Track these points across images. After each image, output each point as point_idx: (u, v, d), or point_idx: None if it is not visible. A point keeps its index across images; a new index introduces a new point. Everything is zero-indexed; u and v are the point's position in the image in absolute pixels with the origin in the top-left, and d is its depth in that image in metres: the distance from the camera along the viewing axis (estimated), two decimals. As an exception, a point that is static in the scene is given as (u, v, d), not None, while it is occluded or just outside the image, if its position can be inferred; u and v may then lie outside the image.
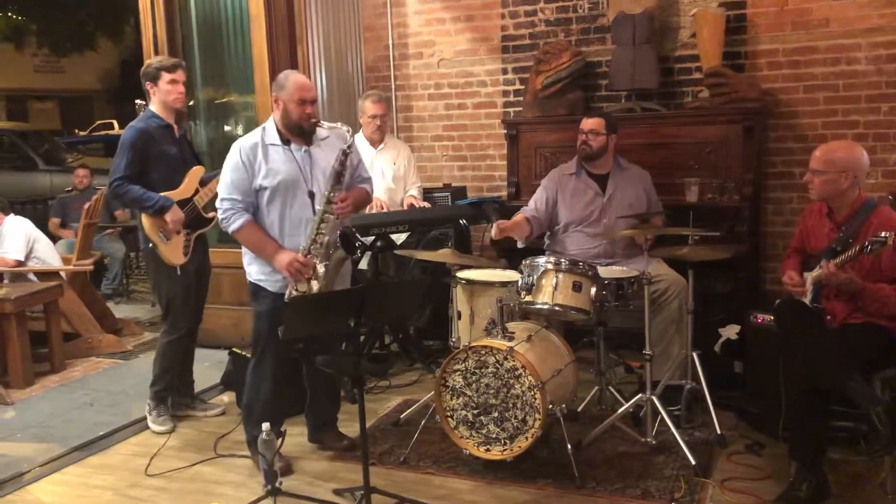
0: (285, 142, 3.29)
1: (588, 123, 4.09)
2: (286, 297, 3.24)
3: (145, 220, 3.79)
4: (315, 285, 3.20)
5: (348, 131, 3.27)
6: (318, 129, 3.32)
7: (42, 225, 6.11)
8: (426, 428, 3.56)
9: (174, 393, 4.06)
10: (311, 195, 3.27)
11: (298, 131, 3.29)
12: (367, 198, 3.50)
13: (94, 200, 5.86)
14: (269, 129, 3.33)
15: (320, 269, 3.19)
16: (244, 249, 3.40)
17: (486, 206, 4.59)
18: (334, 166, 3.21)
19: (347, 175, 3.29)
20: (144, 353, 5.34)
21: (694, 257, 3.50)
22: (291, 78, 3.30)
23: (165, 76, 3.80)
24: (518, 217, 4.12)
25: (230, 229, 3.29)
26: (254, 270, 3.39)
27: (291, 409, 3.71)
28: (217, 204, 3.33)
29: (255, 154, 3.26)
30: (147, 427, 3.99)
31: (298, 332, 3.04)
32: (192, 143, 4.09)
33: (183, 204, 3.82)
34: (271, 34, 4.95)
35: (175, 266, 3.83)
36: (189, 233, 3.86)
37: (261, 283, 3.37)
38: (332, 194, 3.20)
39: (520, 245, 4.17)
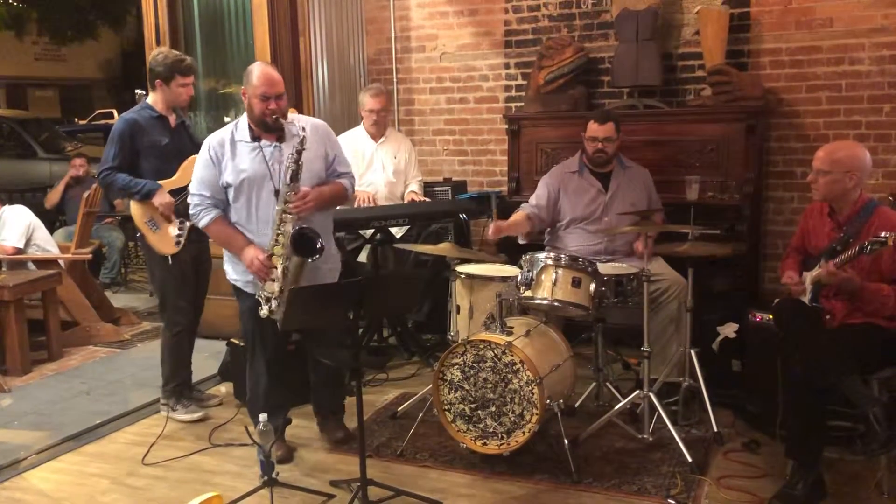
0: (255, 138, 3.23)
1: (601, 130, 4.03)
2: (256, 296, 3.22)
3: (134, 209, 3.78)
4: (275, 286, 3.13)
5: (302, 129, 3.10)
6: (294, 123, 3.23)
7: (41, 213, 6.10)
8: (423, 421, 3.57)
9: (187, 388, 4.04)
10: (277, 193, 3.18)
11: (264, 127, 3.21)
12: (342, 192, 3.38)
13: (94, 189, 5.85)
14: (242, 124, 3.28)
15: (279, 269, 3.12)
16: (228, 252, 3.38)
17: (488, 200, 4.58)
18: (289, 164, 3.09)
19: (313, 170, 3.22)
20: (142, 342, 5.34)
21: (693, 253, 3.50)
22: (256, 71, 3.20)
23: (180, 79, 3.77)
24: (518, 215, 4.11)
25: (200, 225, 3.31)
26: (230, 270, 3.37)
27: (297, 399, 3.71)
28: (189, 199, 3.32)
29: (222, 150, 3.23)
30: (143, 417, 4.01)
31: (296, 324, 3.03)
32: (191, 133, 4.06)
33: (177, 193, 3.79)
34: (273, 26, 4.94)
35: (167, 256, 3.81)
36: (183, 222, 3.82)
37: (237, 285, 3.36)
38: (289, 193, 3.09)
39: (521, 241, 4.16)
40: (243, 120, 3.28)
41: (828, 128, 4.69)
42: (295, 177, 3.09)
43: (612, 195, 4.10)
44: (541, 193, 4.20)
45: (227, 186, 3.24)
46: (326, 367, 3.50)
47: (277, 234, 3.13)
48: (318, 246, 3.08)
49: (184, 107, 3.96)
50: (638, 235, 3.87)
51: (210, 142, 3.26)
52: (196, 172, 3.28)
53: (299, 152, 3.07)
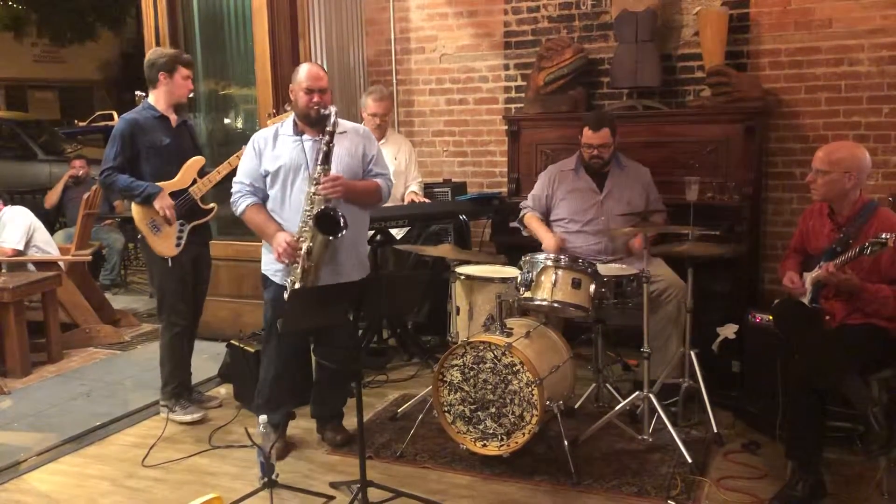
0: (299, 133, 3.37)
1: (596, 138, 4.02)
2: (284, 282, 3.31)
3: (135, 211, 3.78)
4: (298, 269, 3.20)
5: (336, 112, 3.24)
6: (337, 123, 3.30)
7: (40, 214, 6.10)
8: (423, 422, 3.57)
9: (186, 389, 4.04)
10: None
11: (307, 120, 3.34)
12: (375, 190, 3.45)
13: (94, 191, 5.85)
14: (288, 122, 3.44)
15: (303, 249, 3.19)
16: (264, 240, 3.46)
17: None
18: (321, 146, 3.22)
19: (350, 165, 3.34)
20: (142, 343, 5.34)
21: (693, 254, 3.50)
22: (301, 68, 3.41)
23: (182, 70, 3.80)
24: (542, 225, 4.17)
25: (237, 212, 3.44)
26: (264, 260, 3.48)
27: (300, 398, 3.70)
28: (231, 189, 3.47)
29: (265, 142, 3.41)
30: (143, 419, 4.01)
31: (297, 325, 3.04)
32: (193, 134, 4.06)
33: (178, 194, 3.80)
34: (273, 28, 4.94)
35: (167, 258, 3.82)
36: (183, 224, 3.84)
37: (267, 274, 3.45)
38: (318, 174, 3.19)
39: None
40: (291, 119, 3.44)
41: (827, 128, 4.69)
42: (326, 158, 3.20)
43: (606, 195, 4.10)
44: (539, 195, 4.24)
45: (265, 175, 3.37)
46: (331, 369, 3.51)
47: (307, 216, 3.21)
48: (342, 224, 3.13)
49: (184, 102, 3.96)
50: (636, 233, 3.87)
51: (255, 136, 3.46)
52: (241, 163, 3.47)
53: (331, 133, 3.20)
